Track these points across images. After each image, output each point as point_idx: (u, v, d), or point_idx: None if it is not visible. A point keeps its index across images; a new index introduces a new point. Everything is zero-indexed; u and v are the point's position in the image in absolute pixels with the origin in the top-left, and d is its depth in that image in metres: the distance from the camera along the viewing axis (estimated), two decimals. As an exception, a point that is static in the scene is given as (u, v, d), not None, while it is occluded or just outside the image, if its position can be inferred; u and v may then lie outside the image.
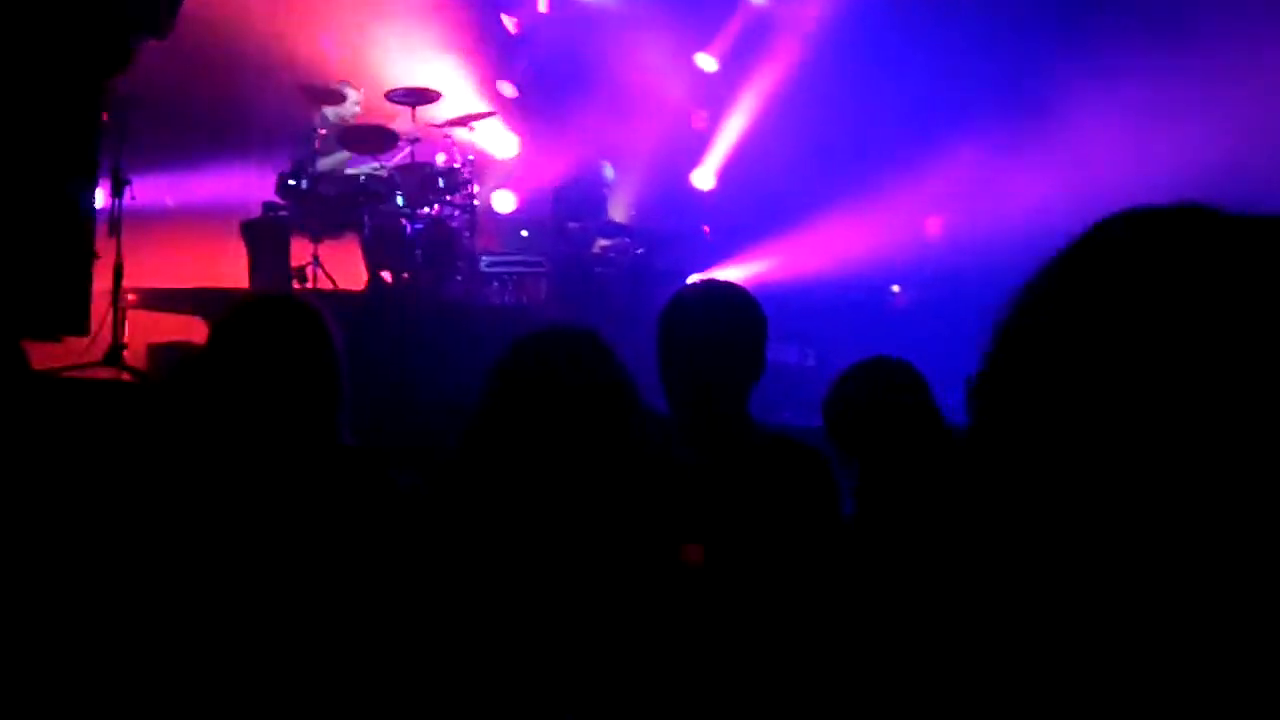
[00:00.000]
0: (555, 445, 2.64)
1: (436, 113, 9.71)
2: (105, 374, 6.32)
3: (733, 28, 12.43)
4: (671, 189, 12.23)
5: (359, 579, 2.68)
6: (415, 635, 2.62)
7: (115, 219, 6.48)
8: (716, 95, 12.43)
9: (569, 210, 10.85)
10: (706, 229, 11.90)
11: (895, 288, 12.18)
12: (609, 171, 11.19)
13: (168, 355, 7.22)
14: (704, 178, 12.46)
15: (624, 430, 2.79)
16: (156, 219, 8.97)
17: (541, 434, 2.68)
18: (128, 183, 6.57)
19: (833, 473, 3.26)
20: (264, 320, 2.78)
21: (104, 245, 6.35)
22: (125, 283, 6.86)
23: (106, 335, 6.61)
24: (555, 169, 11.65)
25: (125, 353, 6.67)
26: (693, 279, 11.46)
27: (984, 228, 11.43)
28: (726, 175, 12.39)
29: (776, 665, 2.89)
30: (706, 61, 12.46)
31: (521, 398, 2.67)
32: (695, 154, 12.45)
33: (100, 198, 6.30)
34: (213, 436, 2.72)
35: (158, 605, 2.65)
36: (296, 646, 2.62)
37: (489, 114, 10.00)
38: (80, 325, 5.82)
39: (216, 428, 2.72)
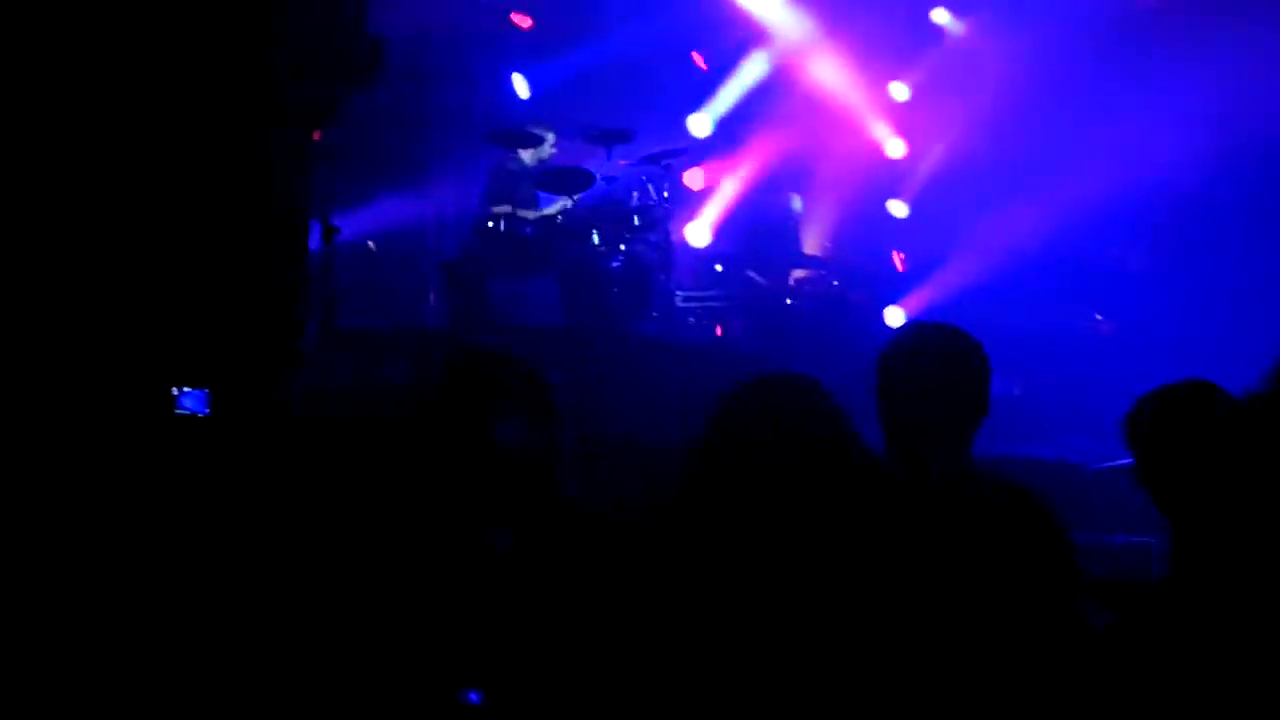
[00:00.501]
0: (776, 501, 2.58)
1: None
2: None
3: (928, 56, 12.27)
4: (866, 218, 12.09)
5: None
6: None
7: (327, 265, 6.67)
8: (909, 124, 12.27)
9: (760, 245, 10.80)
10: (899, 256, 11.75)
11: (1098, 316, 11.82)
12: (797, 204, 11.12)
13: (371, 400, 7.38)
14: (899, 207, 12.29)
15: (845, 486, 2.71)
16: (360, 262, 9.23)
17: (761, 492, 2.62)
18: (337, 230, 6.75)
19: (1062, 524, 3.13)
20: (487, 375, 2.80)
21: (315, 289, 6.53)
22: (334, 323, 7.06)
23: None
24: (748, 200, 11.64)
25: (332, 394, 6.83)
26: (891, 311, 11.34)
27: (1184, 256, 11.11)
28: (921, 203, 12.20)
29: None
30: (899, 90, 12.31)
31: (739, 455, 2.61)
32: (890, 182, 12.29)
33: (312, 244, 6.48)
34: (437, 490, 2.74)
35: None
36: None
37: (682, 150, 10.01)
38: (293, 366, 5.96)
39: (440, 480, 2.74)
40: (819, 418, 2.72)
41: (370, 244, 10.03)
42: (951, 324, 3.30)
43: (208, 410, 2.93)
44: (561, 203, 9.46)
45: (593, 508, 2.91)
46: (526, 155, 9.63)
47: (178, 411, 3.10)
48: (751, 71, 12.29)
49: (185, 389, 2.99)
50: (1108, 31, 11.35)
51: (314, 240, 6.60)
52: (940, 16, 12.40)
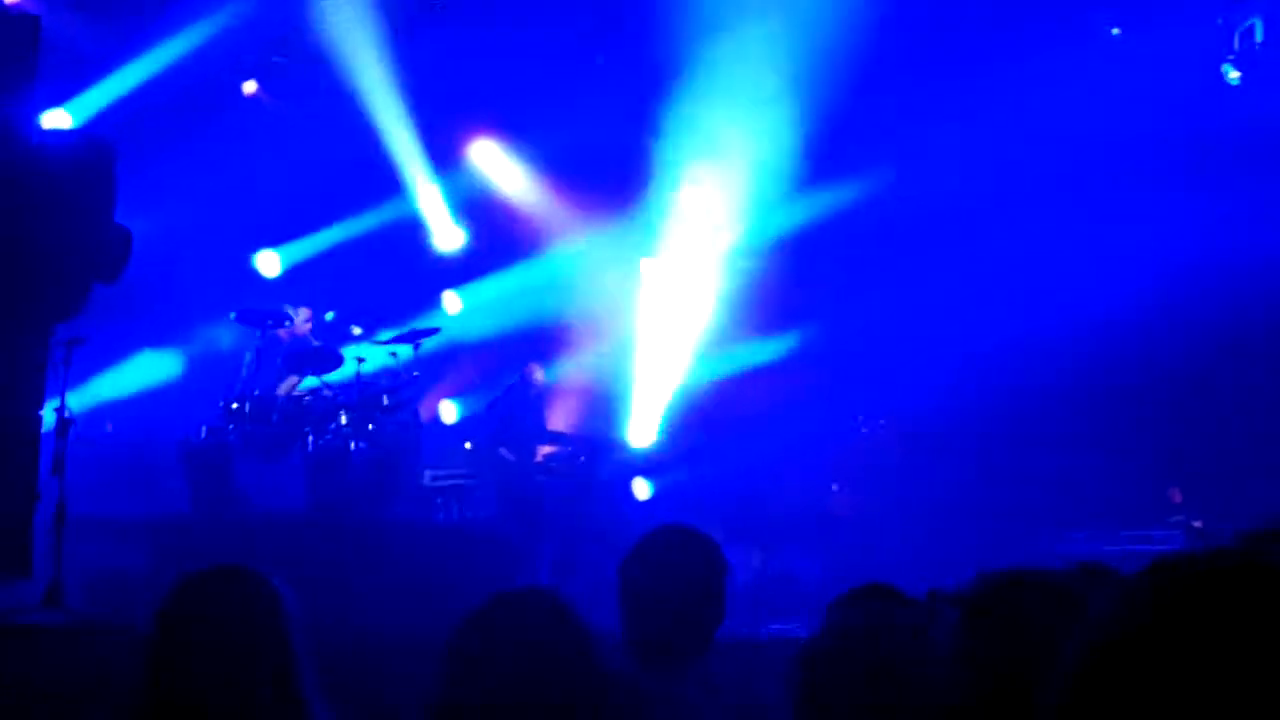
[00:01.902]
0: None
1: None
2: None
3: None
4: (612, 394, 12.31)
5: None
6: None
7: (59, 458, 6.42)
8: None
9: (508, 421, 10.85)
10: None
11: (834, 486, 12.22)
12: (539, 374, 11.19)
13: (109, 591, 7.11)
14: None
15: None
16: (96, 447, 8.93)
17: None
18: (71, 421, 6.54)
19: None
20: (213, 599, 2.73)
21: (46, 484, 6.28)
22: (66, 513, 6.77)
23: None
24: (496, 376, 11.75)
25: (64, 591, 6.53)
26: (638, 483, 11.51)
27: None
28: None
29: None
30: (652, 270, 12.68)
31: (485, 691, 2.59)
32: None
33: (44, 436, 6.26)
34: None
35: None
36: None
37: (434, 331, 10.07)
38: (23, 568, 5.73)
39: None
40: (562, 642, 2.73)
41: (108, 426, 9.74)
42: (690, 527, 3.40)
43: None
44: (310, 383, 9.39)
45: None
46: (277, 334, 9.55)
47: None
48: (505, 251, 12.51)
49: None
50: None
51: (48, 432, 6.41)
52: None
